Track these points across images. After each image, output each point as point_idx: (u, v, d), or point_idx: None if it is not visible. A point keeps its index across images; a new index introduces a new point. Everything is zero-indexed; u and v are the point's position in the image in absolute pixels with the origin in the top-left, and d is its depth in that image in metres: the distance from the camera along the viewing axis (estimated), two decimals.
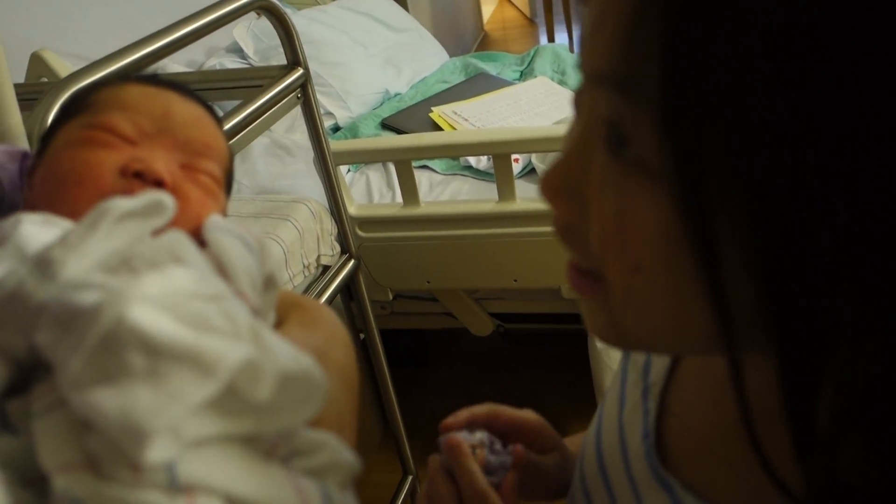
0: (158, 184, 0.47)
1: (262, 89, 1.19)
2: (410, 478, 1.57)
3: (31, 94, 1.32)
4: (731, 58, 0.23)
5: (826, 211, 0.23)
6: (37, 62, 1.59)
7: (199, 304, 0.33)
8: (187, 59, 2.12)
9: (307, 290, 1.26)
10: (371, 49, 2.24)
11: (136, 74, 0.57)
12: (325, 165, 1.28)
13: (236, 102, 1.17)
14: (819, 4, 0.22)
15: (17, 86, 1.62)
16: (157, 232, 0.41)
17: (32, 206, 0.49)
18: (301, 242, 1.25)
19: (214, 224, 0.45)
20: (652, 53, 0.25)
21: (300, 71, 1.22)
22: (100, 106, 0.51)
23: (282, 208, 1.29)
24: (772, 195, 0.24)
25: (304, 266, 1.25)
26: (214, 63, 2.11)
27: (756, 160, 0.24)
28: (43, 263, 0.35)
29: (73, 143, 0.49)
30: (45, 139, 0.53)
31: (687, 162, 0.25)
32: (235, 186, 1.84)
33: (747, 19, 0.23)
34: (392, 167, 1.70)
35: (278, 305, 0.48)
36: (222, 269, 0.40)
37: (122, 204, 0.38)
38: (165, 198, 0.39)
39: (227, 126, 1.10)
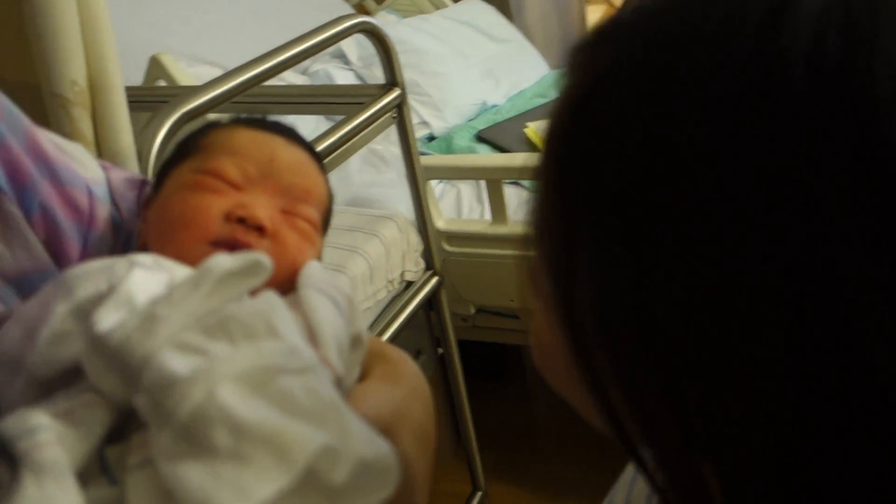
0: (259, 229, 0.50)
1: (362, 107, 1.23)
2: (479, 494, 1.58)
3: (147, 98, 1.40)
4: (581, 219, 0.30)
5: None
6: (155, 65, 1.68)
7: (286, 380, 0.35)
8: None
9: (389, 305, 1.29)
10: (471, 59, 2.26)
11: (246, 117, 0.60)
12: (414, 183, 1.30)
13: (330, 118, 1.21)
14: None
15: (134, 88, 1.72)
16: (255, 291, 0.43)
17: (145, 241, 0.53)
18: (386, 258, 1.28)
19: (309, 278, 0.47)
20: (547, 213, 0.32)
21: (398, 91, 1.25)
22: (210, 150, 0.55)
23: (371, 223, 1.33)
24: (626, 338, 0.29)
25: (387, 281, 1.28)
26: (318, 69, 2.17)
27: (609, 318, 0.29)
28: (149, 319, 0.38)
29: (184, 187, 0.52)
30: (160, 176, 0.56)
31: (567, 314, 0.31)
32: None
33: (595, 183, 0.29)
34: (483, 181, 1.71)
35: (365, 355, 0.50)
36: (311, 332, 0.42)
37: (223, 263, 0.40)
38: (263, 258, 0.42)
39: (328, 143, 1.14)
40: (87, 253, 0.54)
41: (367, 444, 0.34)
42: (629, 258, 0.28)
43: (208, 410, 0.32)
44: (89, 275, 0.45)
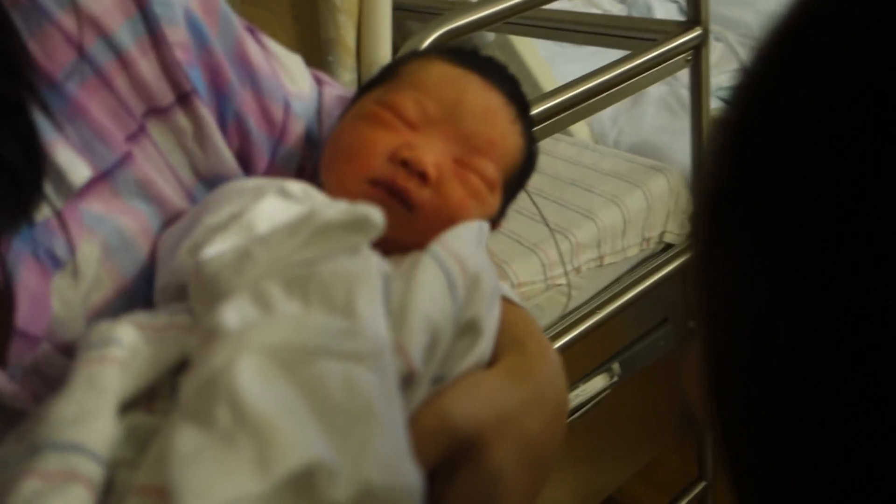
0: (422, 175, 0.46)
1: (654, 44, 1.11)
2: (704, 484, 1.45)
3: (436, 9, 1.41)
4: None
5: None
6: None
7: (326, 365, 0.31)
8: None
9: (641, 263, 1.19)
10: None
11: (455, 48, 0.56)
12: (698, 137, 1.16)
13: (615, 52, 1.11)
14: None
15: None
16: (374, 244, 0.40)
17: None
18: (647, 214, 1.17)
19: (440, 243, 0.43)
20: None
21: (698, 31, 1.10)
22: (400, 80, 0.51)
23: (638, 173, 1.22)
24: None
25: (643, 239, 1.18)
26: None
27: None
28: (243, 255, 0.37)
29: (360, 117, 0.50)
30: (355, 98, 0.55)
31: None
32: (616, 130, 1.79)
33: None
34: None
35: (503, 339, 0.44)
36: (402, 310, 0.37)
37: (326, 213, 0.37)
38: (373, 214, 0.38)
39: (606, 77, 1.05)
40: (274, 166, 0.54)
41: (385, 467, 0.29)
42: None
43: (220, 381, 0.29)
44: (242, 191, 0.44)
